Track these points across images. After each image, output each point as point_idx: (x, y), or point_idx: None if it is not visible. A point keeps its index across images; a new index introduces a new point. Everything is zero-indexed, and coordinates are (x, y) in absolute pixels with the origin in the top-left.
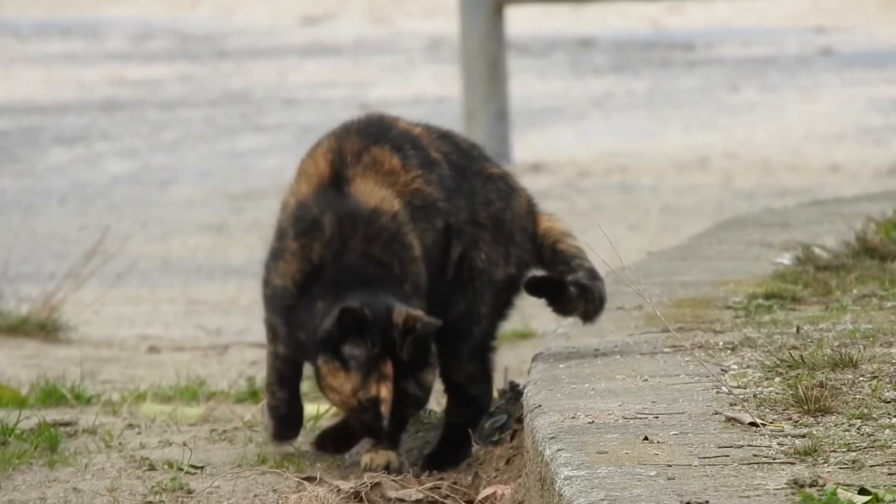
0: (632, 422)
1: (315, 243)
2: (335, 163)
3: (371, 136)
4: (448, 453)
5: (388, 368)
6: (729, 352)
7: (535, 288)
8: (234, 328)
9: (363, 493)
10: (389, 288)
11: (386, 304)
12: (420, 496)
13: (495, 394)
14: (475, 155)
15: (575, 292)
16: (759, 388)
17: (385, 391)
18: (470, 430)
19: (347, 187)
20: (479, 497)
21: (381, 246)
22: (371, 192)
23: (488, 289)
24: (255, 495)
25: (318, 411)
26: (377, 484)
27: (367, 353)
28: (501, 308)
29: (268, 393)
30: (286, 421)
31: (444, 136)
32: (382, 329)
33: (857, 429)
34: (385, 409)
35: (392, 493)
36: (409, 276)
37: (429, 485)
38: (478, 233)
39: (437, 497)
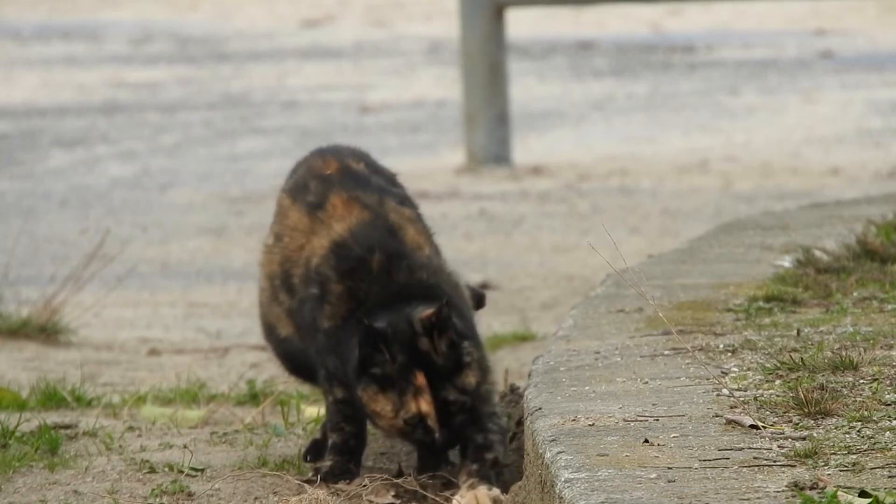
0: (632, 424)
1: (362, 283)
2: (368, 208)
3: (366, 184)
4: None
5: (421, 379)
6: (729, 354)
7: None
8: (234, 331)
9: (363, 496)
10: (428, 300)
11: (407, 315)
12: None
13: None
14: (380, 165)
15: None
16: (760, 391)
17: (425, 404)
18: None
19: (398, 232)
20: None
21: (428, 272)
22: (415, 240)
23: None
24: (256, 498)
25: (319, 413)
26: (378, 487)
27: (393, 368)
28: None
29: (335, 432)
30: (355, 454)
31: (364, 160)
32: (406, 340)
33: (858, 431)
34: (432, 423)
35: (373, 498)
36: (458, 294)
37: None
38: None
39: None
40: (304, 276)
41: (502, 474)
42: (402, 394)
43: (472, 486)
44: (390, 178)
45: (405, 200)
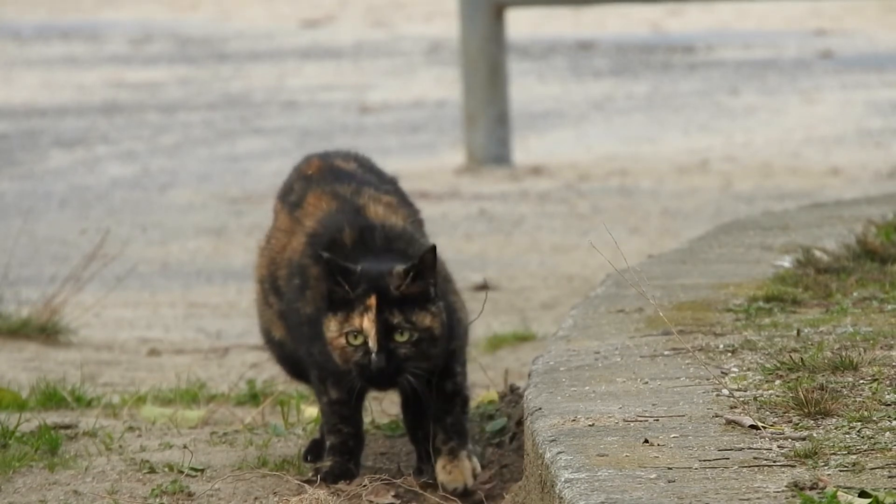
0: (632, 424)
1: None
2: (339, 198)
3: (349, 179)
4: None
5: (371, 300)
6: (729, 354)
7: None
8: (234, 331)
9: (363, 496)
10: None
11: (389, 266)
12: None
13: (496, 396)
14: (376, 168)
15: None
16: (760, 391)
17: (367, 322)
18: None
19: (364, 210)
20: None
21: (405, 242)
22: (384, 215)
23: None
24: (256, 498)
25: (319, 414)
26: (378, 487)
27: (347, 294)
28: None
29: (332, 434)
30: (354, 454)
31: (357, 159)
32: (372, 276)
33: (858, 431)
34: (371, 342)
35: (372, 497)
36: (440, 265)
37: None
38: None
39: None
40: (288, 275)
41: (468, 413)
42: (350, 311)
43: (451, 451)
44: (388, 180)
45: (391, 193)
